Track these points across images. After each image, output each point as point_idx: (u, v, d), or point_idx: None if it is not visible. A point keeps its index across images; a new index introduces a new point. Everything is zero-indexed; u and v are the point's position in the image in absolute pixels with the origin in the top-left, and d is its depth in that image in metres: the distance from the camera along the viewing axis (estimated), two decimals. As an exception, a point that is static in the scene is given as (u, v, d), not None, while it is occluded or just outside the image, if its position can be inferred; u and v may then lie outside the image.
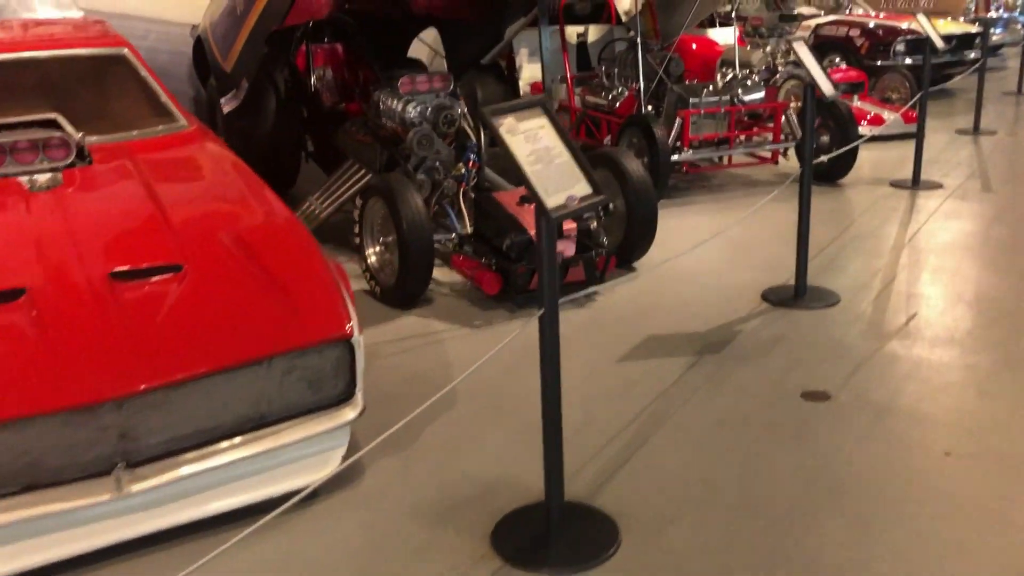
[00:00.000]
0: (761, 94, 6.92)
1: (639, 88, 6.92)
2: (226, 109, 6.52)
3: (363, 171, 5.60)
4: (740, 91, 6.84)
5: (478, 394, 3.57)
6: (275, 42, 5.88)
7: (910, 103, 8.19)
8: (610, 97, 7.48)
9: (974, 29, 11.22)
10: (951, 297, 4.50)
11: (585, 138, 7.71)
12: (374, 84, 6.05)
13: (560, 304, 2.43)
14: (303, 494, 2.21)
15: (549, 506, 2.62)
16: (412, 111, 5.47)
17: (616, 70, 7.63)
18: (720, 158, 7.04)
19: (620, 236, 5.00)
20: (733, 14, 7.48)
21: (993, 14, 13.87)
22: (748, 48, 8.28)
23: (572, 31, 8.80)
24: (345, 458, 2.85)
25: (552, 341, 2.45)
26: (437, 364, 3.90)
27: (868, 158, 7.70)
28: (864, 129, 8.28)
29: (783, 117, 6.96)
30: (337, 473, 2.84)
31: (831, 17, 11.10)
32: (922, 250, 5.26)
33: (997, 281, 4.72)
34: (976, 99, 8.85)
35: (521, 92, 8.57)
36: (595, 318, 4.37)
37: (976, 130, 8.81)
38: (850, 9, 11.79)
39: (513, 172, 2.37)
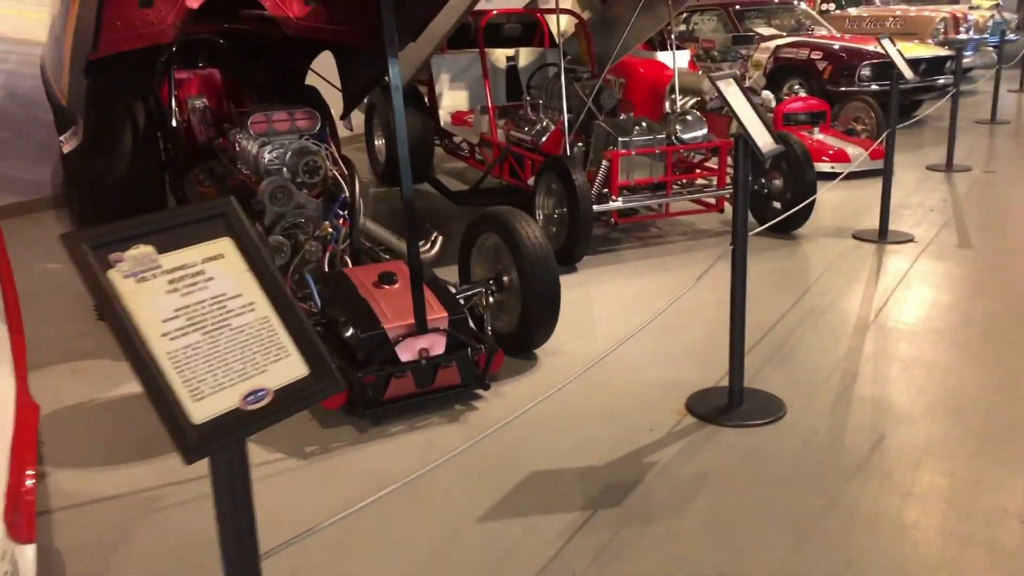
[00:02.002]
0: (704, 131, 5.93)
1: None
2: (66, 149, 5.46)
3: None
4: (679, 128, 5.85)
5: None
6: (130, 68, 4.86)
7: (877, 141, 7.27)
8: (534, 132, 6.47)
9: (944, 52, 10.36)
10: (927, 408, 3.50)
11: (509, 178, 6.69)
12: (229, 122, 5.00)
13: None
14: None
15: None
16: (267, 156, 4.45)
17: (543, 100, 6.63)
18: (657, 205, 6.03)
19: (518, 314, 3.98)
20: (672, 36, 6.47)
21: (963, 36, 13.09)
22: (700, 74, 7.31)
23: (501, 54, 7.80)
24: None
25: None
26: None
27: (829, 200, 6.75)
28: (825, 166, 7.35)
29: (728, 157, 5.98)
30: None
31: (791, 39, 10.18)
32: (890, 333, 4.27)
33: (980, 381, 3.73)
34: (949, 131, 7.93)
35: (442, 121, 7.57)
36: (465, 443, 3.30)
37: (949, 166, 7.89)
38: (812, 29, 10.90)
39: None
